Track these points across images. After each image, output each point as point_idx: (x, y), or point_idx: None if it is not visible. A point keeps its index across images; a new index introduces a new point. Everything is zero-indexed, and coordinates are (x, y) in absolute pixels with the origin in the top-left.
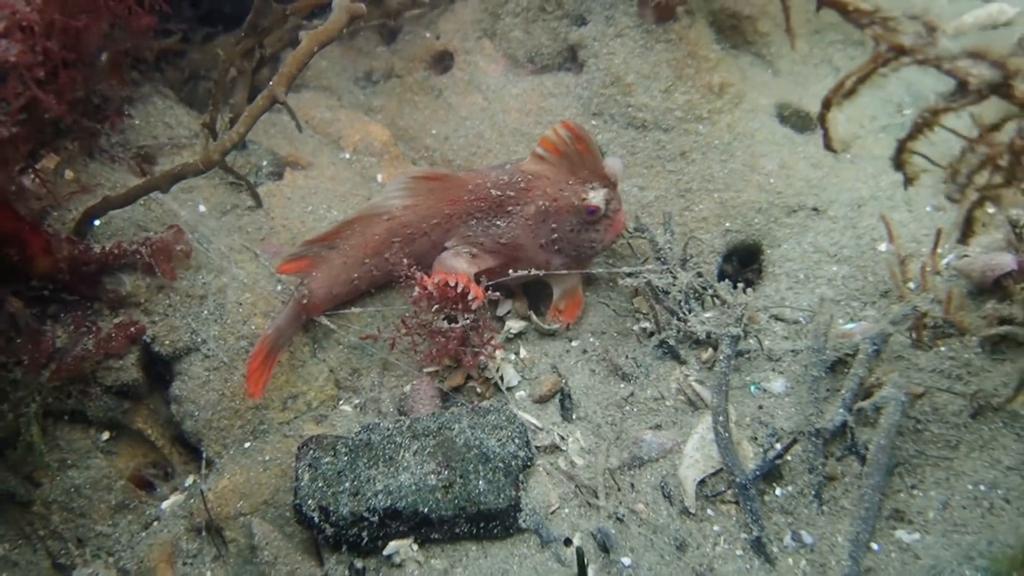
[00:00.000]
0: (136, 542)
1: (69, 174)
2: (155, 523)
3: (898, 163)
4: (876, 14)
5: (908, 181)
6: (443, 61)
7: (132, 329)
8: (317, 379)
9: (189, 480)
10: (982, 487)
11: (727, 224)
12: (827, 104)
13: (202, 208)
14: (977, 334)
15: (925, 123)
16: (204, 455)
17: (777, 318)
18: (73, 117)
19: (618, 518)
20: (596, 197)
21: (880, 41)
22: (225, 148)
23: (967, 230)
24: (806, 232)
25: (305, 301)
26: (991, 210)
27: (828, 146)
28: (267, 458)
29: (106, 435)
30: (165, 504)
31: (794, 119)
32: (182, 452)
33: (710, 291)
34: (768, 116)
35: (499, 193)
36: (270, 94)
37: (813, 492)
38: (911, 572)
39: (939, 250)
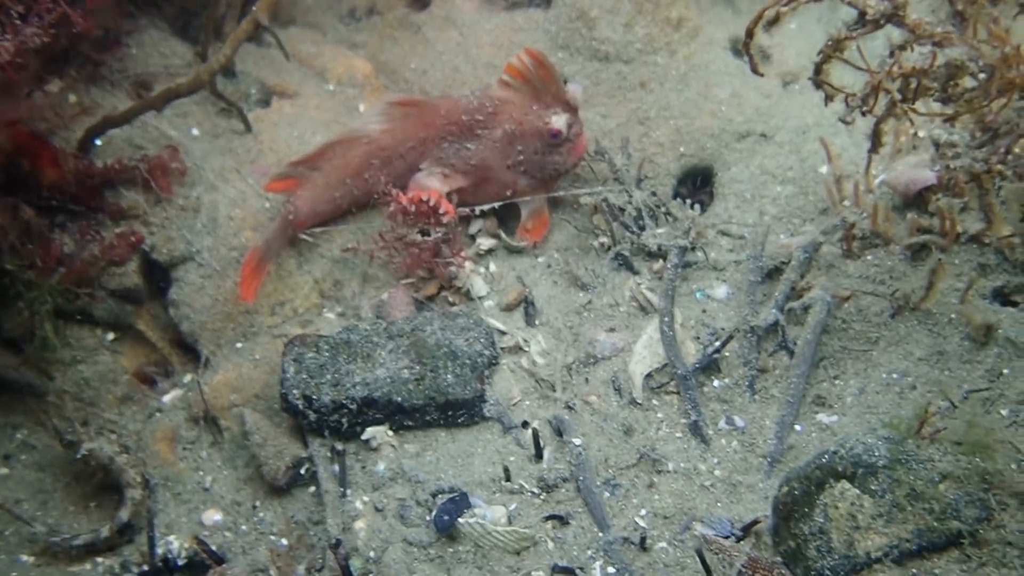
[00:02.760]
0: (140, 428)
1: (72, 98)
2: (157, 413)
3: (816, 84)
4: None
5: (827, 99)
6: None
7: (132, 238)
8: (303, 288)
9: (187, 378)
10: (895, 375)
11: (682, 149)
12: (749, 33)
13: (195, 131)
14: (900, 243)
15: (832, 49)
16: (203, 353)
17: (724, 233)
18: (77, 45)
19: (572, 408)
20: (559, 121)
21: None
22: (213, 69)
23: (876, 143)
24: (754, 156)
25: (291, 217)
26: (920, 133)
27: (754, 69)
28: (257, 357)
29: (111, 335)
30: (166, 398)
31: (742, 41)
32: (180, 353)
33: (663, 209)
34: (722, 49)
35: (469, 118)
36: (253, 18)
37: (747, 383)
38: (826, 446)
39: (871, 171)
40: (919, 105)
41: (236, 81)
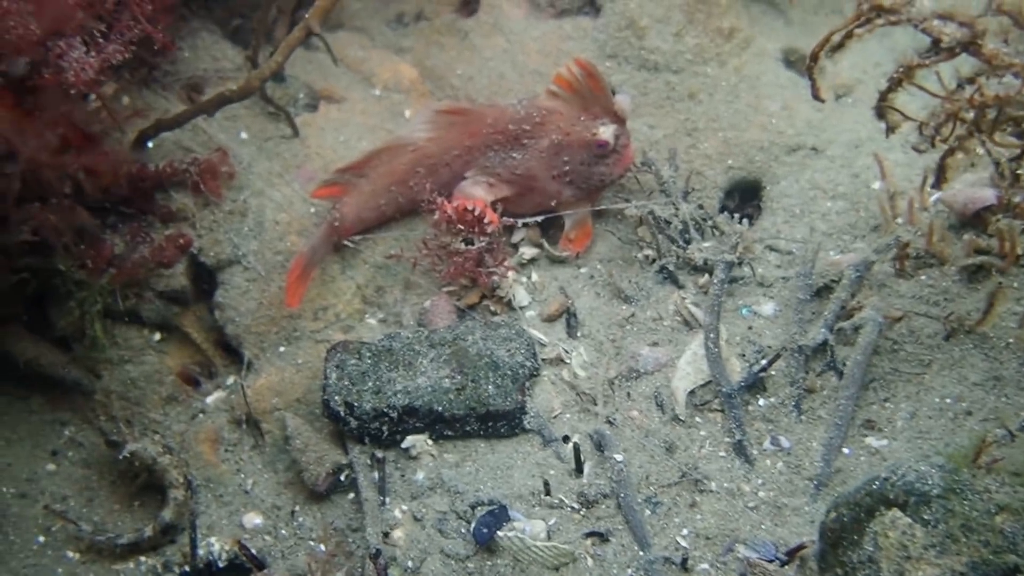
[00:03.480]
0: (184, 429)
1: (126, 100)
2: (200, 415)
3: (879, 113)
4: None
5: (889, 129)
6: (469, 5)
7: (181, 240)
8: (345, 294)
9: (230, 379)
10: (948, 400)
11: (730, 161)
12: (814, 57)
13: (244, 135)
14: (955, 264)
15: (901, 77)
16: (246, 356)
17: (772, 249)
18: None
19: (613, 423)
20: (606, 132)
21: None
22: (264, 75)
23: (941, 177)
24: (804, 170)
25: (337, 224)
26: (980, 151)
27: (816, 95)
28: (300, 361)
29: (158, 336)
30: (209, 399)
31: (800, 64)
32: (223, 355)
33: (710, 222)
34: (774, 60)
35: (515, 127)
36: (305, 26)
37: (793, 403)
38: (875, 470)
39: (927, 187)
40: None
41: (285, 85)
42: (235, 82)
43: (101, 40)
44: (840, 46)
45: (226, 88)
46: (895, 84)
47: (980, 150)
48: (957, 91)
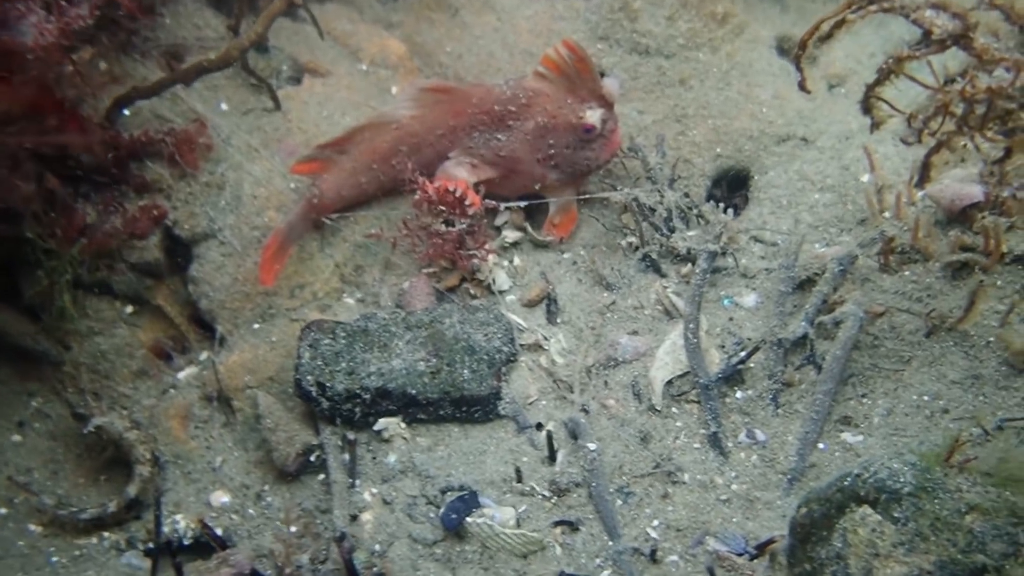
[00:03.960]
0: (153, 404)
1: (103, 66)
2: (171, 390)
3: (866, 107)
4: None
5: (875, 124)
6: None
7: (155, 212)
8: (323, 272)
9: (203, 355)
10: (926, 397)
11: (718, 149)
12: (802, 45)
13: (224, 106)
14: (940, 260)
15: (890, 69)
16: (218, 332)
17: (757, 239)
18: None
19: (588, 411)
20: (593, 116)
21: None
22: (243, 46)
23: (925, 175)
24: (793, 161)
25: (316, 200)
26: (968, 147)
27: (802, 86)
28: (274, 339)
29: (130, 308)
30: (181, 374)
31: (793, 51)
32: (197, 330)
33: (695, 211)
34: (767, 48)
35: (501, 108)
36: None
37: (770, 396)
38: (849, 466)
39: (914, 182)
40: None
41: (268, 56)
42: (215, 52)
43: (64, 3)
44: (830, 35)
45: (205, 58)
46: (883, 76)
47: (968, 146)
48: (947, 85)
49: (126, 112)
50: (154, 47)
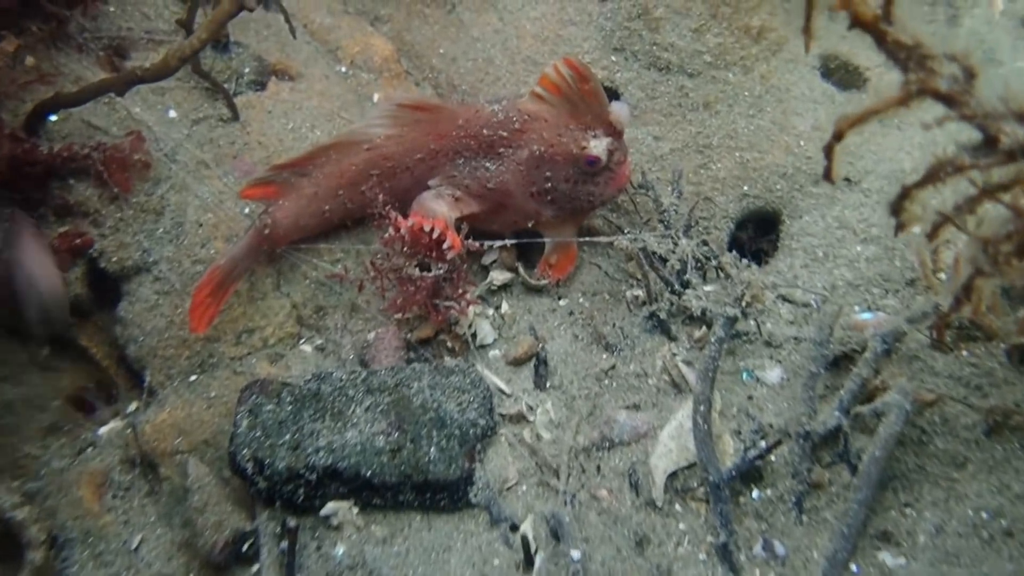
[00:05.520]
0: (65, 467)
1: (30, 60)
2: (89, 449)
3: (896, 208)
4: (915, 49)
5: (900, 227)
6: None
7: (78, 241)
8: (277, 314)
9: (132, 406)
10: (984, 514)
11: (745, 187)
12: (838, 136)
13: (172, 114)
14: (1006, 341)
15: (938, 174)
16: (146, 383)
17: (785, 299)
18: None
19: (574, 503)
20: (598, 146)
21: (912, 81)
22: (184, 55)
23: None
24: (833, 204)
25: (267, 231)
26: None
27: (827, 176)
28: (213, 394)
29: (46, 350)
30: (102, 429)
31: (840, 73)
32: (128, 376)
33: (713, 262)
34: (809, 68)
35: (491, 132)
36: None
37: (794, 499)
38: None
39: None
40: None
41: (229, 56)
42: (167, 47)
43: None
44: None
45: (137, 66)
46: (929, 179)
47: None
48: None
49: (52, 118)
50: (94, 40)
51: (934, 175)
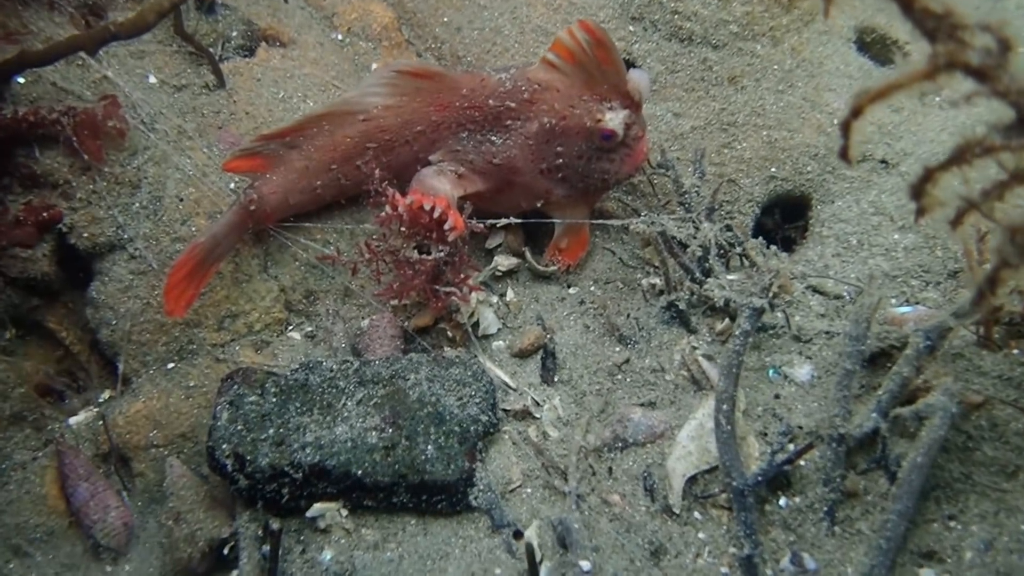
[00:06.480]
0: (27, 461)
1: None
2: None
3: (917, 191)
4: (945, 18)
5: (920, 212)
6: None
7: (45, 214)
8: (264, 298)
9: (105, 395)
10: None
11: (773, 169)
12: (856, 112)
13: (152, 79)
14: None
15: (965, 156)
16: (120, 370)
17: (816, 290)
18: None
19: (584, 507)
20: (614, 119)
21: (940, 53)
22: (162, 9)
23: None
24: (868, 189)
25: (253, 208)
26: None
27: (843, 156)
28: (192, 384)
29: (9, 334)
30: (73, 420)
31: (877, 47)
32: (101, 361)
33: (738, 249)
34: (844, 41)
35: (498, 103)
36: None
37: (825, 509)
38: None
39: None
40: None
41: (215, 18)
42: (135, 10)
43: None
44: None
45: (112, 21)
46: (954, 161)
47: None
48: None
49: (20, 80)
50: None
51: (960, 156)
